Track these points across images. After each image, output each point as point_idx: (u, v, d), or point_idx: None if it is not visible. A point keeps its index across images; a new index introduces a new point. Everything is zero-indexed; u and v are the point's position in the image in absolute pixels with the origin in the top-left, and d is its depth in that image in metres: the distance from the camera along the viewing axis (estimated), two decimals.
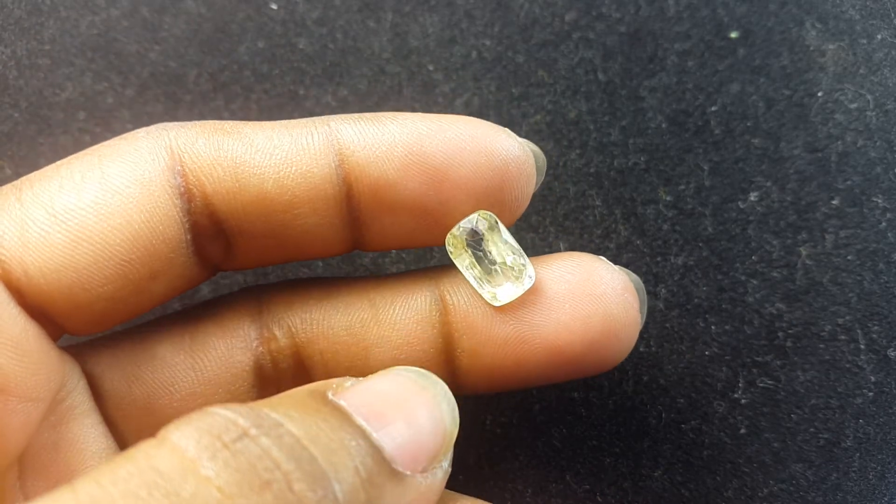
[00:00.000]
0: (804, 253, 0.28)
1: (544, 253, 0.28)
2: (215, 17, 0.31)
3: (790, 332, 0.28)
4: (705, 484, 0.27)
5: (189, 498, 0.13)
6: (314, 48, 0.31)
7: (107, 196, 0.19)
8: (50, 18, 0.31)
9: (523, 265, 0.21)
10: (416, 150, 0.20)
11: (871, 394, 0.27)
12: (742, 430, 0.27)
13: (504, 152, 0.20)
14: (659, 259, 0.29)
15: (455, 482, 0.26)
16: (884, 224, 0.28)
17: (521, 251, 0.21)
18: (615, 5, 0.31)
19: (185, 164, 0.19)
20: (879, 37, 0.30)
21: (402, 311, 0.21)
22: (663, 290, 0.28)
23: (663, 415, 0.27)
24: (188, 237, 0.20)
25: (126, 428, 0.21)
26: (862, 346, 0.27)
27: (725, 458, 0.27)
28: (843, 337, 0.28)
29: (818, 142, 0.29)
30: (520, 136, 0.29)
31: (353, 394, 0.17)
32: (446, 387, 0.18)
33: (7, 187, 0.19)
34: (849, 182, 0.29)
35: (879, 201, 0.28)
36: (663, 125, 0.30)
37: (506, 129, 0.21)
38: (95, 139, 0.30)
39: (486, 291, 0.21)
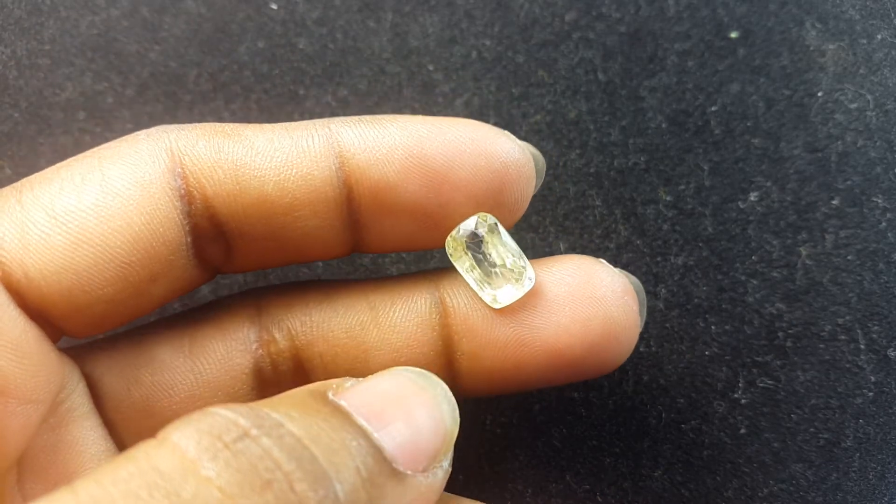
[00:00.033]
0: (804, 253, 0.28)
1: (544, 253, 0.28)
2: (215, 17, 0.31)
3: (790, 332, 0.28)
4: (705, 484, 0.27)
5: (190, 498, 0.13)
6: (314, 48, 0.31)
7: (107, 198, 0.19)
8: (50, 18, 0.31)
9: (523, 267, 0.21)
10: (417, 152, 0.20)
11: (871, 394, 0.27)
12: (742, 430, 0.27)
13: (504, 155, 0.20)
14: (659, 259, 0.29)
15: (455, 482, 0.26)
16: (884, 224, 0.28)
17: (521, 253, 0.21)
18: (615, 5, 0.31)
19: (186, 166, 0.19)
20: (879, 37, 0.30)
21: (402, 314, 0.21)
22: (663, 290, 0.28)
23: (663, 415, 0.27)
24: (188, 239, 0.20)
25: (125, 430, 0.21)
26: (862, 346, 0.27)
27: (725, 458, 0.27)
28: (843, 337, 0.28)
29: (818, 142, 0.29)
30: (520, 135, 0.29)
31: (353, 394, 0.17)
32: (446, 387, 0.18)
33: (7, 189, 0.19)
34: (849, 182, 0.29)
35: (879, 201, 0.28)
36: (663, 125, 0.30)
37: (505, 131, 0.21)
38: (95, 139, 0.30)
39: (486, 294, 0.21)
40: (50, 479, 0.19)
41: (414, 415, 0.17)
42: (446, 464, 0.17)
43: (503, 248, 0.21)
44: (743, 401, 0.27)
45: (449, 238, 0.21)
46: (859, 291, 0.28)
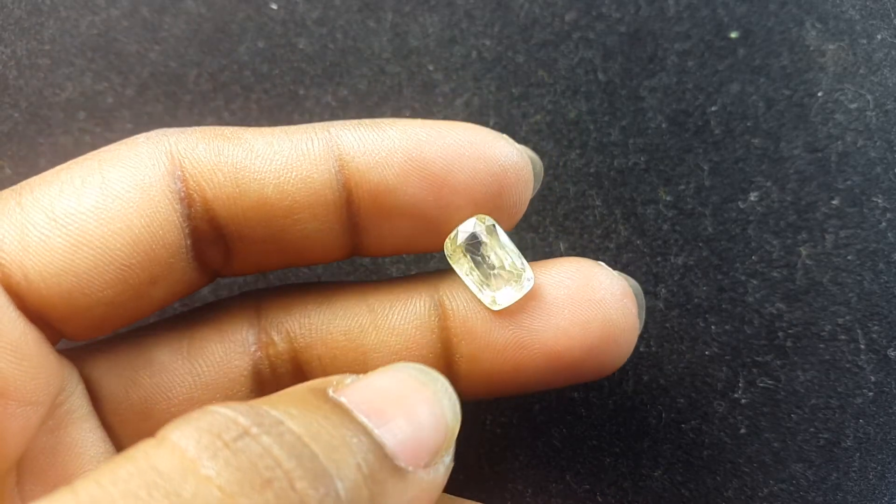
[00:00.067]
0: (804, 253, 0.28)
1: (544, 253, 0.28)
2: (215, 17, 0.31)
3: (790, 332, 0.28)
4: (705, 484, 0.27)
5: (190, 498, 0.13)
6: (314, 48, 0.31)
7: (107, 201, 0.19)
8: (50, 18, 0.31)
9: (522, 269, 0.21)
10: (416, 155, 0.20)
11: (871, 394, 0.27)
12: (742, 430, 0.27)
13: (503, 158, 0.20)
14: (659, 259, 0.29)
15: (455, 482, 0.26)
16: (884, 224, 0.28)
17: (520, 255, 0.21)
18: (615, 5, 0.31)
19: (186, 169, 0.19)
20: (879, 37, 0.30)
21: (401, 317, 0.21)
22: (663, 290, 0.28)
23: (663, 415, 0.27)
24: (188, 242, 0.20)
25: (123, 432, 0.21)
26: (862, 346, 0.27)
27: (725, 458, 0.27)
28: (843, 337, 0.28)
29: (818, 142, 0.29)
30: (520, 135, 0.29)
31: (353, 390, 0.17)
32: (447, 382, 0.18)
33: (7, 192, 0.19)
34: (849, 182, 0.29)
35: (879, 201, 0.28)
36: (663, 125, 0.30)
37: (504, 135, 0.21)
38: (95, 139, 0.30)
39: (486, 295, 0.21)
40: (49, 481, 0.19)
41: (415, 411, 0.17)
42: (448, 459, 0.17)
43: (501, 249, 0.21)
44: (743, 401, 0.27)
45: (447, 240, 0.21)
46: (859, 291, 0.28)
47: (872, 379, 0.27)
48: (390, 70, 0.31)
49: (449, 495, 0.21)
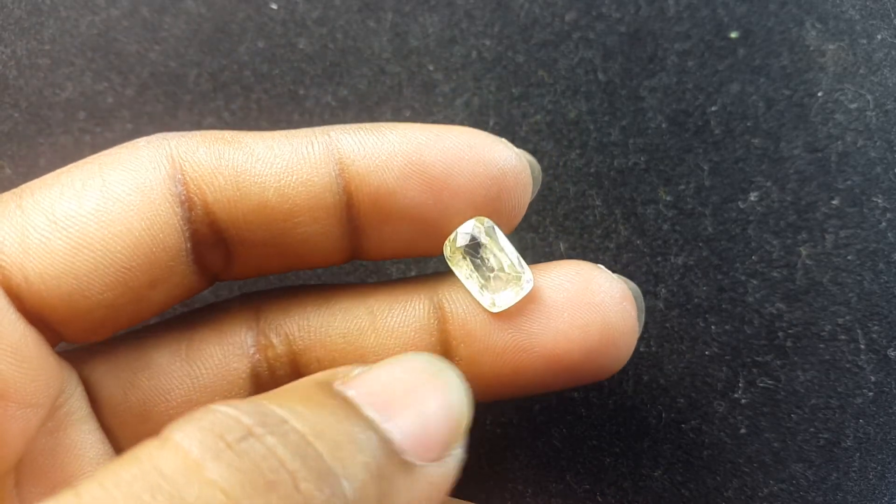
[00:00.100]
0: (804, 253, 0.28)
1: (544, 252, 0.28)
2: (215, 17, 0.31)
3: (790, 332, 0.28)
4: (705, 484, 0.27)
5: (194, 501, 0.13)
6: (314, 48, 0.31)
7: (107, 203, 0.19)
8: (50, 18, 0.31)
9: (521, 271, 0.21)
10: (416, 159, 0.20)
11: (871, 394, 0.27)
12: (742, 430, 0.27)
13: (502, 162, 0.20)
14: (659, 259, 0.29)
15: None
16: (884, 224, 0.28)
17: (519, 257, 0.21)
18: (615, 5, 0.31)
19: (186, 172, 0.19)
20: (879, 37, 0.30)
21: (400, 319, 0.21)
22: (663, 290, 0.28)
23: (663, 415, 0.27)
24: (188, 245, 0.20)
25: (122, 434, 0.21)
26: (862, 346, 0.27)
27: (725, 458, 0.27)
28: (843, 337, 0.28)
29: (818, 142, 0.29)
30: (520, 135, 0.29)
31: (360, 383, 0.16)
32: (459, 371, 0.18)
33: (7, 194, 0.19)
34: (849, 182, 0.29)
35: (879, 201, 0.28)
36: (663, 125, 0.30)
37: (503, 139, 0.21)
38: (95, 139, 0.30)
39: (485, 298, 0.21)
40: (48, 483, 0.19)
41: (424, 402, 0.17)
42: (459, 451, 0.17)
43: (501, 252, 0.21)
44: (743, 401, 0.27)
45: (447, 242, 0.21)
46: (859, 291, 0.28)
47: (872, 379, 0.27)
48: (390, 70, 0.31)
49: (447, 497, 0.20)
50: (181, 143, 0.20)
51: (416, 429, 0.16)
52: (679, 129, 0.29)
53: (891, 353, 0.27)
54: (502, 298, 0.21)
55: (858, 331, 0.28)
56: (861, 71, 0.30)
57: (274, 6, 0.31)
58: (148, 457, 0.14)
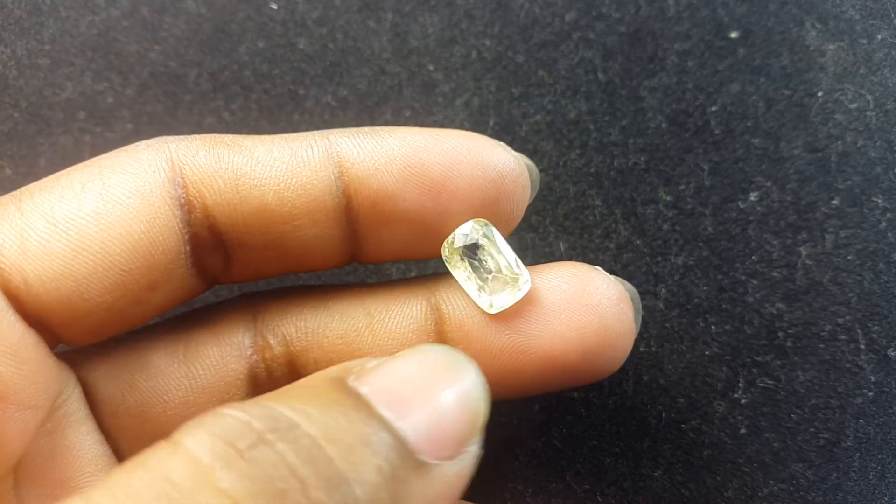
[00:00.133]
0: (804, 253, 0.28)
1: (544, 252, 0.28)
2: (215, 17, 0.31)
3: (790, 332, 0.28)
4: (705, 484, 0.27)
5: None
6: (314, 48, 0.31)
7: (107, 206, 0.19)
8: (50, 18, 0.31)
9: (518, 273, 0.21)
10: (415, 162, 0.20)
11: (871, 394, 0.27)
12: (742, 430, 0.27)
13: (500, 165, 0.21)
14: (659, 259, 0.29)
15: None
16: (884, 224, 0.28)
17: (517, 259, 0.21)
18: (615, 5, 0.31)
19: (186, 175, 0.19)
20: (879, 37, 0.30)
21: (398, 320, 0.21)
22: (663, 290, 0.28)
23: (663, 415, 0.27)
24: (187, 248, 0.20)
25: (120, 435, 0.21)
26: (862, 346, 0.27)
27: (725, 458, 0.27)
28: (843, 337, 0.28)
29: (818, 142, 0.29)
30: (520, 135, 0.29)
31: (375, 378, 0.16)
32: (475, 365, 0.18)
33: (7, 197, 0.19)
34: (849, 182, 0.29)
35: (879, 201, 0.28)
36: (663, 125, 0.30)
37: (501, 142, 0.21)
38: (95, 139, 0.30)
39: (483, 299, 0.21)
40: (46, 484, 0.19)
41: (439, 398, 0.16)
42: (475, 448, 0.17)
43: (499, 253, 0.21)
44: (743, 401, 0.27)
45: (445, 243, 0.21)
46: (859, 291, 0.28)
47: (872, 379, 0.27)
48: (390, 70, 0.31)
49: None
50: (181, 146, 0.20)
51: (431, 426, 0.16)
52: (679, 129, 0.29)
53: (891, 353, 0.27)
54: (500, 300, 0.21)
55: (858, 331, 0.28)
56: (861, 71, 0.30)
57: (274, 6, 0.31)
58: (158, 463, 0.13)
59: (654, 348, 0.28)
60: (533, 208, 0.29)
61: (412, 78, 0.30)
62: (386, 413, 0.16)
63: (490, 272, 0.21)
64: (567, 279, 0.21)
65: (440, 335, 0.21)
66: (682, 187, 0.29)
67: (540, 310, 0.21)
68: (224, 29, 0.31)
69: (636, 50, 0.30)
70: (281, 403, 0.15)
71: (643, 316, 0.28)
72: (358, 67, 0.31)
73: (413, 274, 0.29)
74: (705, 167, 0.29)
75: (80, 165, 0.19)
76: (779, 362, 0.27)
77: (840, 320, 0.28)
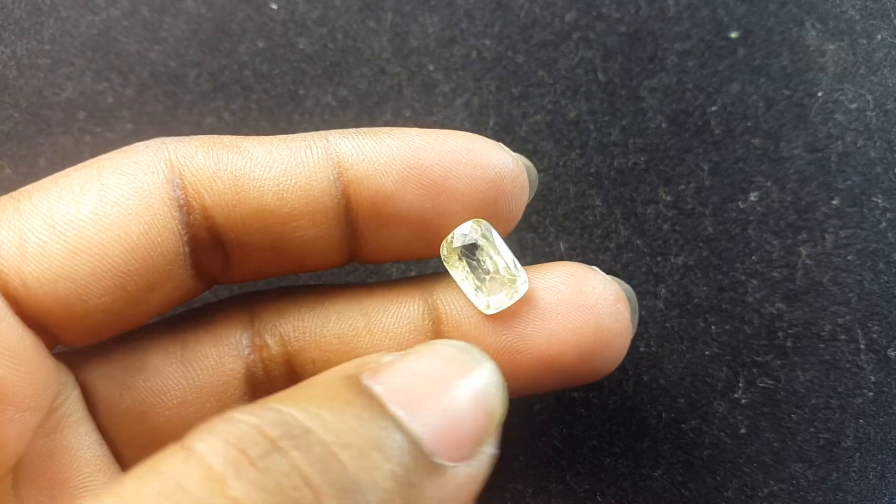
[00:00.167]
0: (804, 253, 0.28)
1: (544, 252, 0.28)
2: (215, 17, 0.31)
3: (790, 332, 0.28)
4: (705, 484, 0.27)
5: None
6: (314, 48, 0.31)
7: (106, 207, 0.19)
8: (50, 18, 0.31)
9: (516, 274, 0.21)
10: (414, 163, 0.20)
11: (871, 394, 0.27)
12: (742, 430, 0.27)
13: (499, 165, 0.21)
14: (659, 259, 0.29)
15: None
16: (884, 224, 0.28)
17: (515, 260, 0.21)
18: (615, 5, 0.31)
19: (185, 176, 0.19)
20: (879, 37, 0.30)
21: (395, 320, 0.21)
22: (663, 290, 0.28)
23: (663, 415, 0.27)
24: (186, 249, 0.20)
25: (118, 435, 0.21)
26: (862, 346, 0.27)
27: (725, 458, 0.27)
28: (843, 337, 0.28)
29: (818, 142, 0.29)
30: (520, 135, 0.29)
31: (389, 375, 0.16)
32: (493, 362, 0.17)
33: (5, 198, 0.19)
34: (849, 182, 0.29)
35: (879, 201, 0.28)
36: (663, 125, 0.30)
37: (499, 143, 0.21)
38: (95, 139, 0.30)
39: (480, 300, 0.21)
40: (45, 485, 0.19)
41: (454, 397, 0.16)
42: (490, 449, 0.17)
43: (497, 254, 0.21)
44: (743, 401, 0.27)
45: (444, 243, 0.21)
46: (859, 291, 0.28)
47: (872, 379, 0.27)
48: (390, 70, 0.31)
49: None
50: (179, 147, 0.20)
51: (445, 426, 0.16)
52: (679, 129, 0.29)
53: (891, 353, 0.27)
54: (497, 301, 0.21)
55: (858, 331, 0.28)
56: (861, 71, 0.30)
57: (274, 6, 0.31)
58: (170, 470, 0.13)
59: (654, 348, 0.28)
60: (533, 208, 0.29)
61: (412, 78, 0.30)
62: (399, 413, 0.15)
63: (488, 273, 0.21)
64: (564, 279, 0.21)
65: (437, 335, 0.21)
66: (682, 187, 0.29)
67: (536, 310, 0.21)
68: (224, 29, 0.31)
69: (636, 50, 0.30)
70: (294, 406, 0.15)
71: (643, 316, 0.28)
72: (358, 67, 0.31)
73: (413, 274, 0.29)
74: (705, 167, 0.29)
75: (78, 166, 0.19)
76: (779, 362, 0.27)
77: (840, 320, 0.28)
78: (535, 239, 0.29)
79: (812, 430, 0.27)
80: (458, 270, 0.21)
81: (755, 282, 0.28)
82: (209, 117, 0.30)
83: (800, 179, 0.29)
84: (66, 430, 0.20)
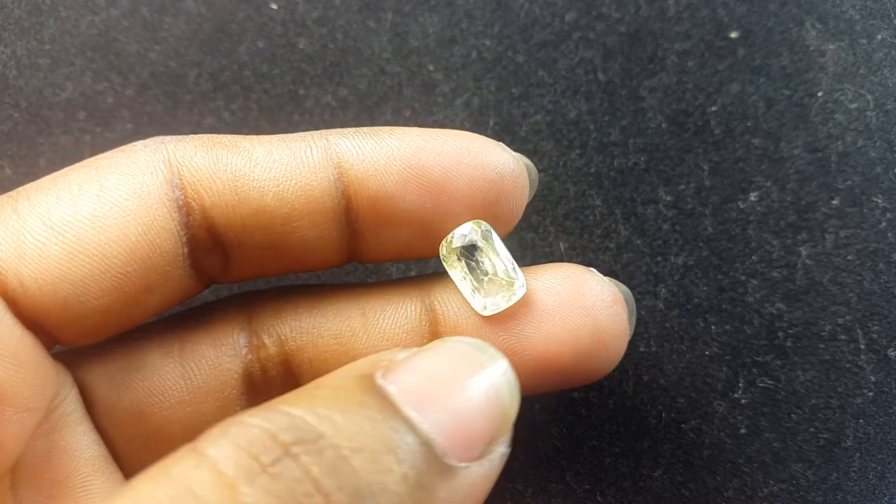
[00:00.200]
0: (804, 253, 0.28)
1: (544, 252, 0.28)
2: (215, 17, 0.31)
3: (790, 332, 0.28)
4: (705, 484, 0.27)
5: None
6: (314, 48, 0.31)
7: (104, 208, 0.19)
8: (50, 18, 0.31)
9: (514, 276, 0.21)
10: (415, 163, 0.20)
11: (871, 394, 0.27)
12: (742, 430, 0.27)
13: (500, 165, 0.21)
14: (659, 259, 0.29)
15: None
16: (884, 224, 0.28)
17: (514, 262, 0.21)
18: (615, 5, 0.31)
19: (184, 177, 0.19)
20: (879, 37, 0.30)
21: (392, 321, 0.21)
22: (663, 290, 0.28)
23: (663, 415, 0.27)
24: (185, 250, 0.20)
25: (116, 435, 0.21)
26: (862, 346, 0.27)
27: (725, 458, 0.27)
28: (843, 337, 0.28)
29: (818, 142, 0.29)
30: (520, 135, 0.29)
31: (402, 374, 0.16)
32: (506, 360, 0.17)
33: (3, 198, 0.19)
34: (849, 182, 0.29)
35: (879, 201, 0.28)
36: (663, 125, 0.30)
37: (500, 143, 0.21)
38: (95, 139, 0.30)
39: (477, 301, 0.21)
40: (43, 485, 0.19)
41: (467, 395, 0.16)
42: (502, 448, 0.17)
43: (496, 256, 0.21)
44: (743, 401, 0.27)
45: (443, 242, 0.21)
46: (859, 291, 0.28)
47: (872, 379, 0.27)
48: (390, 70, 0.31)
49: None
50: (178, 147, 0.20)
51: (458, 426, 0.16)
52: (679, 129, 0.29)
53: (891, 353, 0.27)
54: (494, 303, 0.21)
55: (858, 331, 0.28)
56: (861, 71, 0.30)
57: (274, 6, 0.31)
58: (182, 474, 0.13)
59: (654, 348, 0.28)
60: (533, 208, 0.29)
61: (412, 78, 0.30)
62: (412, 414, 0.15)
63: (486, 274, 0.21)
64: (561, 281, 0.21)
65: (434, 336, 0.21)
66: (682, 187, 0.29)
67: (534, 311, 0.21)
68: (224, 29, 0.31)
69: (636, 50, 0.30)
70: (306, 409, 0.15)
71: (643, 316, 0.28)
72: (358, 67, 0.31)
73: (413, 274, 0.29)
74: (705, 167, 0.29)
75: (76, 166, 0.19)
76: (779, 362, 0.27)
77: (840, 320, 0.28)
78: (535, 239, 0.29)
79: (812, 430, 0.27)
80: (456, 270, 0.21)
81: (755, 282, 0.28)
82: (209, 117, 0.30)
83: (800, 179, 0.29)
84: (64, 429, 0.20)
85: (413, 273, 0.29)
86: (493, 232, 0.21)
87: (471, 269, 0.21)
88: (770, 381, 0.27)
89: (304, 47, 0.31)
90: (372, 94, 0.30)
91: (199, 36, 0.31)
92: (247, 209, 0.20)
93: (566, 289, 0.21)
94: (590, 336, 0.21)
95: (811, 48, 0.30)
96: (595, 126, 0.30)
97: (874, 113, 0.29)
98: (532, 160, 0.23)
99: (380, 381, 0.16)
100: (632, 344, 0.28)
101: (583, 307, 0.21)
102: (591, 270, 0.21)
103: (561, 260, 0.27)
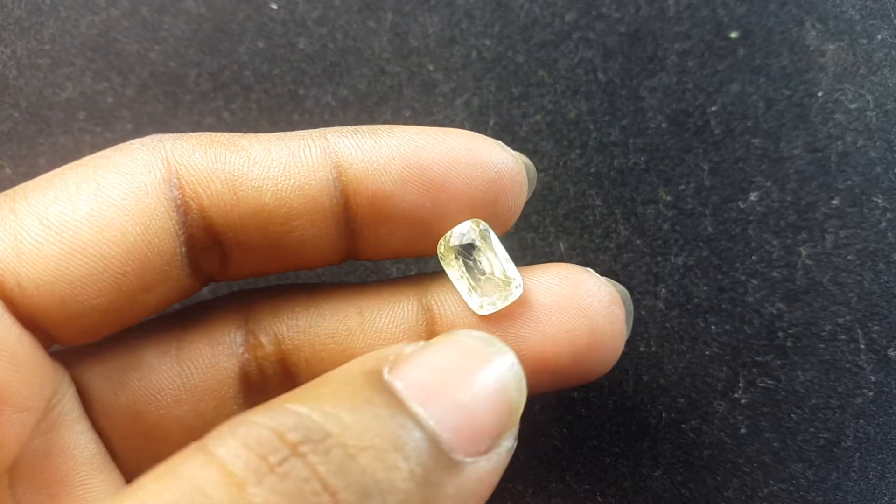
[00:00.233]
0: (804, 253, 0.28)
1: (544, 252, 0.28)
2: (215, 17, 0.31)
3: (790, 332, 0.28)
4: (705, 484, 0.27)
5: None
6: (314, 48, 0.31)
7: (102, 208, 0.18)
8: (50, 18, 0.31)
9: (512, 276, 0.21)
10: (414, 162, 0.20)
11: (871, 394, 0.27)
12: (742, 430, 0.27)
13: (499, 164, 0.20)
14: (659, 259, 0.29)
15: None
16: (884, 224, 0.28)
17: (511, 262, 0.21)
18: (615, 5, 0.31)
19: (182, 176, 0.19)
20: (879, 37, 0.30)
21: (389, 320, 0.21)
22: (663, 290, 0.28)
23: (663, 415, 0.27)
24: (183, 249, 0.20)
25: (114, 434, 0.21)
26: (862, 346, 0.27)
27: (725, 458, 0.27)
28: (843, 337, 0.28)
29: (818, 142, 0.29)
30: (520, 135, 0.29)
31: (410, 369, 0.16)
32: (513, 354, 0.17)
33: (0, 197, 0.19)
34: (849, 182, 0.29)
35: (879, 201, 0.28)
36: (663, 125, 0.30)
37: (499, 142, 0.21)
38: (95, 139, 0.30)
39: (474, 301, 0.21)
40: (42, 484, 0.19)
41: (474, 389, 0.16)
42: (509, 443, 0.17)
43: (493, 255, 0.21)
44: (743, 401, 0.27)
45: (441, 241, 0.21)
46: (859, 291, 0.28)
47: (872, 379, 0.27)
48: (390, 70, 0.31)
49: None
50: (176, 145, 0.20)
51: (464, 420, 0.16)
52: (679, 129, 0.29)
53: (891, 353, 0.27)
54: (490, 302, 0.21)
55: (858, 331, 0.28)
56: (861, 71, 0.30)
57: (274, 6, 0.31)
58: (191, 473, 0.13)
59: (654, 348, 0.28)
60: (533, 208, 0.29)
61: (412, 78, 0.30)
62: (419, 410, 0.15)
63: (483, 273, 0.21)
64: (558, 281, 0.21)
65: (431, 335, 0.21)
66: (682, 187, 0.29)
67: (531, 311, 0.21)
68: (224, 29, 0.31)
69: (636, 50, 0.30)
70: (313, 408, 0.15)
71: (643, 316, 0.28)
72: (358, 67, 0.31)
73: (413, 273, 0.29)
74: (705, 167, 0.29)
75: (74, 164, 0.19)
76: (779, 362, 0.27)
77: (840, 320, 0.28)
78: (535, 239, 0.29)
79: (812, 430, 0.27)
80: (453, 269, 0.21)
81: (755, 282, 0.28)
82: (209, 117, 0.30)
83: (800, 179, 0.29)
84: (62, 428, 0.20)
85: (413, 272, 0.29)
86: (491, 231, 0.21)
87: (468, 269, 0.21)
88: (770, 381, 0.27)
89: (304, 47, 0.31)
90: (372, 94, 0.30)
91: (199, 36, 0.31)
92: (245, 208, 0.20)
93: (563, 289, 0.21)
94: (586, 336, 0.21)
95: (811, 48, 0.30)
96: (595, 126, 0.30)
97: (874, 113, 0.29)
98: (532, 160, 0.23)
99: (387, 376, 0.16)
100: (632, 344, 0.28)
101: (580, 307, 0.21)
102: (588, 270, 0.21)
103: (561, 260, 0.27)
